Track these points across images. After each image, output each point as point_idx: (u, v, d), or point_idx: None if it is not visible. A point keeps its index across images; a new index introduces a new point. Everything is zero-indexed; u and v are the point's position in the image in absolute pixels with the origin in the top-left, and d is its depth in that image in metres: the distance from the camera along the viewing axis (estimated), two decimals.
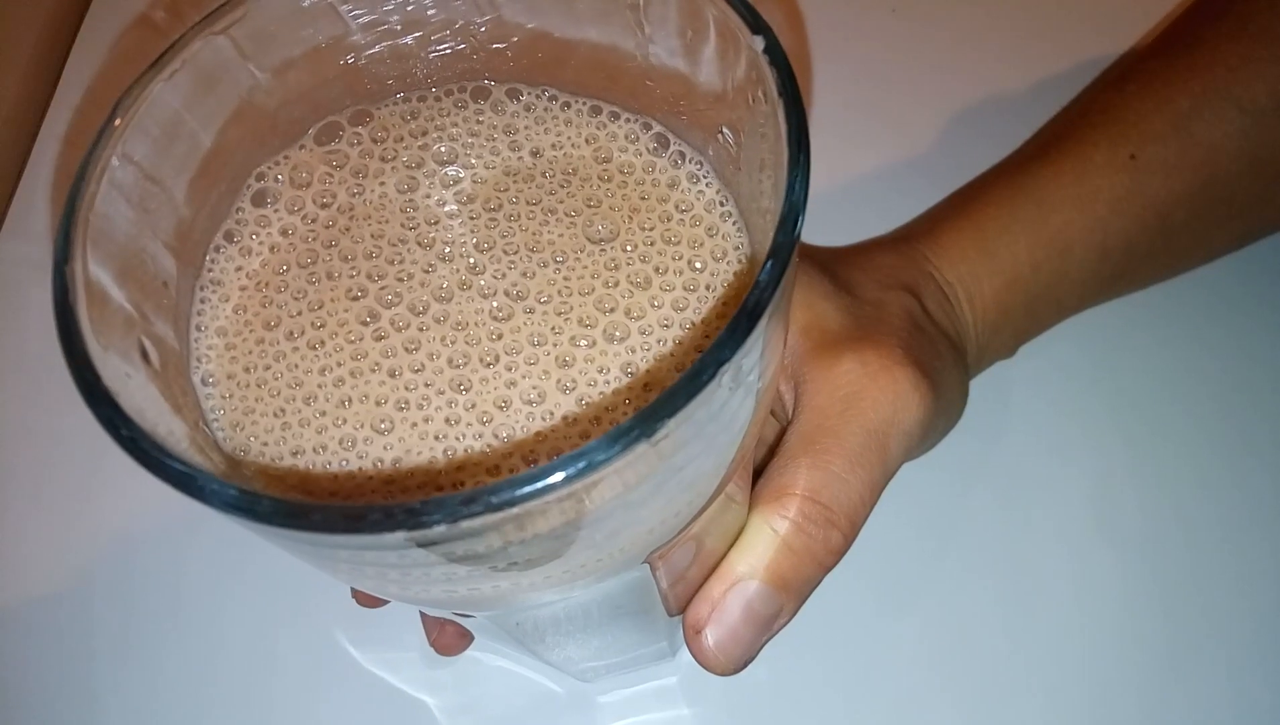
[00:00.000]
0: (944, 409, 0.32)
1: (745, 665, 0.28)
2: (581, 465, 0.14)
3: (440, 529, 0.14)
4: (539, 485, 0.14)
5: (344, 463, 0.21)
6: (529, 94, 0.25)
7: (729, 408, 0.17)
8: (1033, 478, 0.39)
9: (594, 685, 0.36)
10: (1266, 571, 0.37)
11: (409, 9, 0.24)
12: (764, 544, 0.27)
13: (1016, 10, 0.51)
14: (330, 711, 0.36)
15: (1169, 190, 0.36)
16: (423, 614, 0.36)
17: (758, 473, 0.29)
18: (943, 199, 0.41)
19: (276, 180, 0.24)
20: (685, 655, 0.34)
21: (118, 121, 0.20)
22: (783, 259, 0.16)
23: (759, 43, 0.18)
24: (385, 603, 0.35)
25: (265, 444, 0.21)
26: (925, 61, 0.50)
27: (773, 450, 0.29)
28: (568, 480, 0.14)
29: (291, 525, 0.15)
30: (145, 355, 0.20)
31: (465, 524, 0.14)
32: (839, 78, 0.49)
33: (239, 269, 0.23)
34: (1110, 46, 0.48)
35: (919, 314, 0.33)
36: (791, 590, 0.27)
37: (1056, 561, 0.37)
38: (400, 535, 0.15)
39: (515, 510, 0.14)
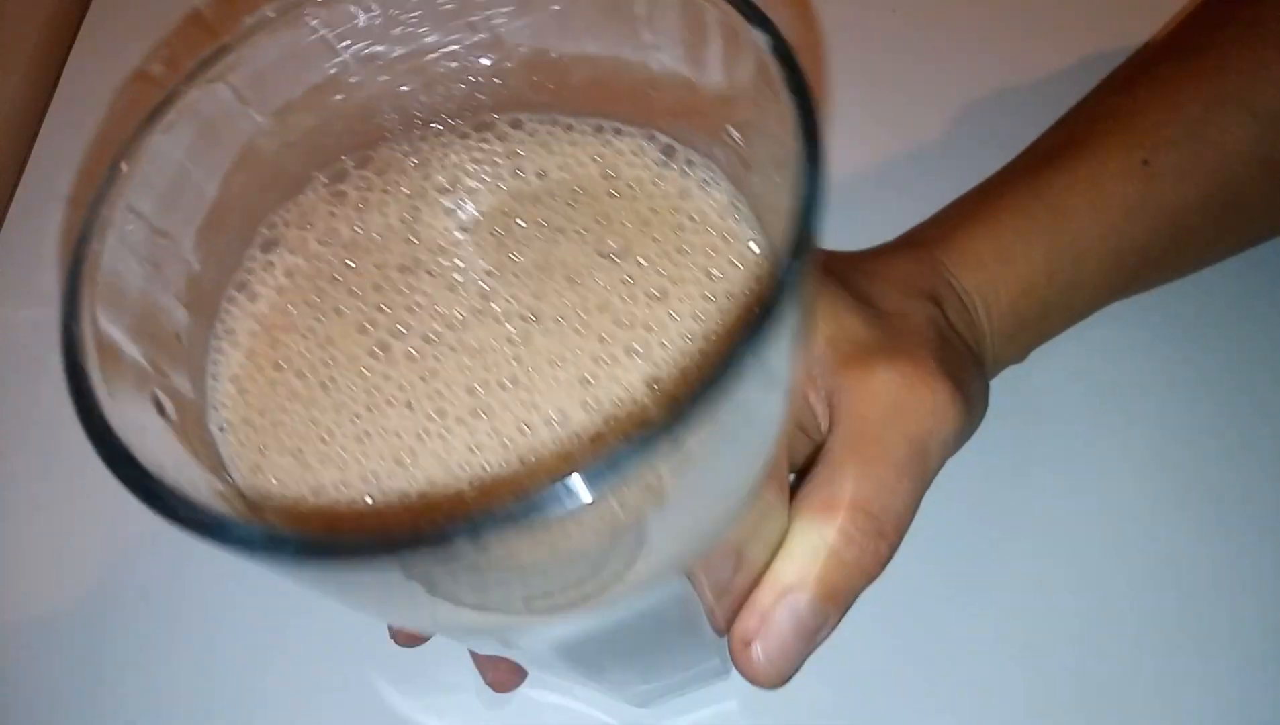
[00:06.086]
0: (973, 419, 0.32)
1: (790, 678, 0.27)
2: (608, 469, 0.14)
3: (469, 547, 0.14)
4: (566, 492, 0.14)
5: (367, 498, 0.20)
6: (531, 121, 0.25)
7: (756, 406, 0.17)
8: (1033, 478, 0.39)
9: (649, 711, 0.35)
10: (1270, 572, 0.36)
11: (405, 38, 0.24)
12: (812, 553, 0.26)
13: (1017, 9, 0.51)
14: None
15: (1182, 196, 0.36)
16: (474, 653, 0.35)
17: (799, 478, 0.28)
18: (951, 203, 0.40)
19: (285, 225, 0.24)
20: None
21: (120, 175, 0.20)
22: (805, 237, 0.15)
23: (763, 39, 0.18)
24: (424, 641, 0.35)
25: (285, 485, 0.21)
26: (926, 60, 0.49)
27: (808, 464, 0.29)
28: (593, 481, 0.14)
29: (324, 559, 0.14)
30: (160, 408, 0.20)
31: (495, 540, 0.14)
32: (838, 77, 0.49)
33: (249, 315, 0.23)
34: (1113, 45, 0.48)
35: (943, 324, 0.33)
36: (839, 601, 0.27)
37: (1059, 562, 0.37)
38: (430, 557, 0.14)
39: (545, 521, 0.14)
